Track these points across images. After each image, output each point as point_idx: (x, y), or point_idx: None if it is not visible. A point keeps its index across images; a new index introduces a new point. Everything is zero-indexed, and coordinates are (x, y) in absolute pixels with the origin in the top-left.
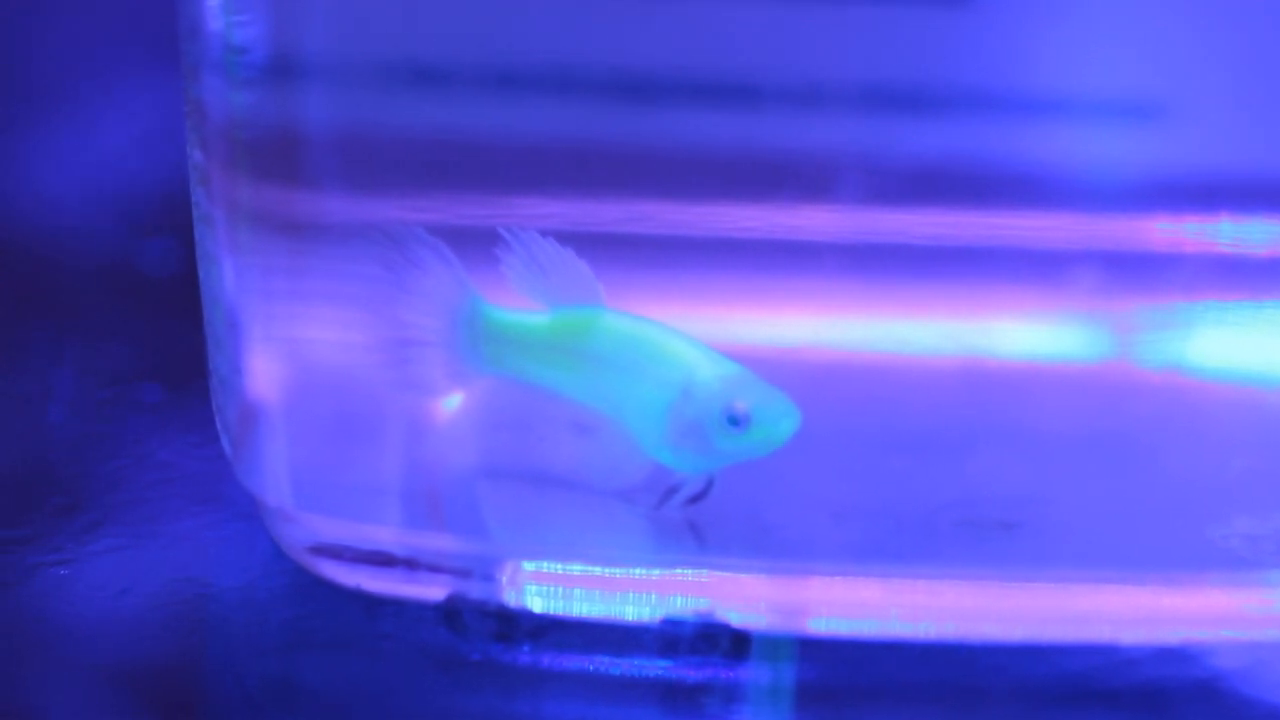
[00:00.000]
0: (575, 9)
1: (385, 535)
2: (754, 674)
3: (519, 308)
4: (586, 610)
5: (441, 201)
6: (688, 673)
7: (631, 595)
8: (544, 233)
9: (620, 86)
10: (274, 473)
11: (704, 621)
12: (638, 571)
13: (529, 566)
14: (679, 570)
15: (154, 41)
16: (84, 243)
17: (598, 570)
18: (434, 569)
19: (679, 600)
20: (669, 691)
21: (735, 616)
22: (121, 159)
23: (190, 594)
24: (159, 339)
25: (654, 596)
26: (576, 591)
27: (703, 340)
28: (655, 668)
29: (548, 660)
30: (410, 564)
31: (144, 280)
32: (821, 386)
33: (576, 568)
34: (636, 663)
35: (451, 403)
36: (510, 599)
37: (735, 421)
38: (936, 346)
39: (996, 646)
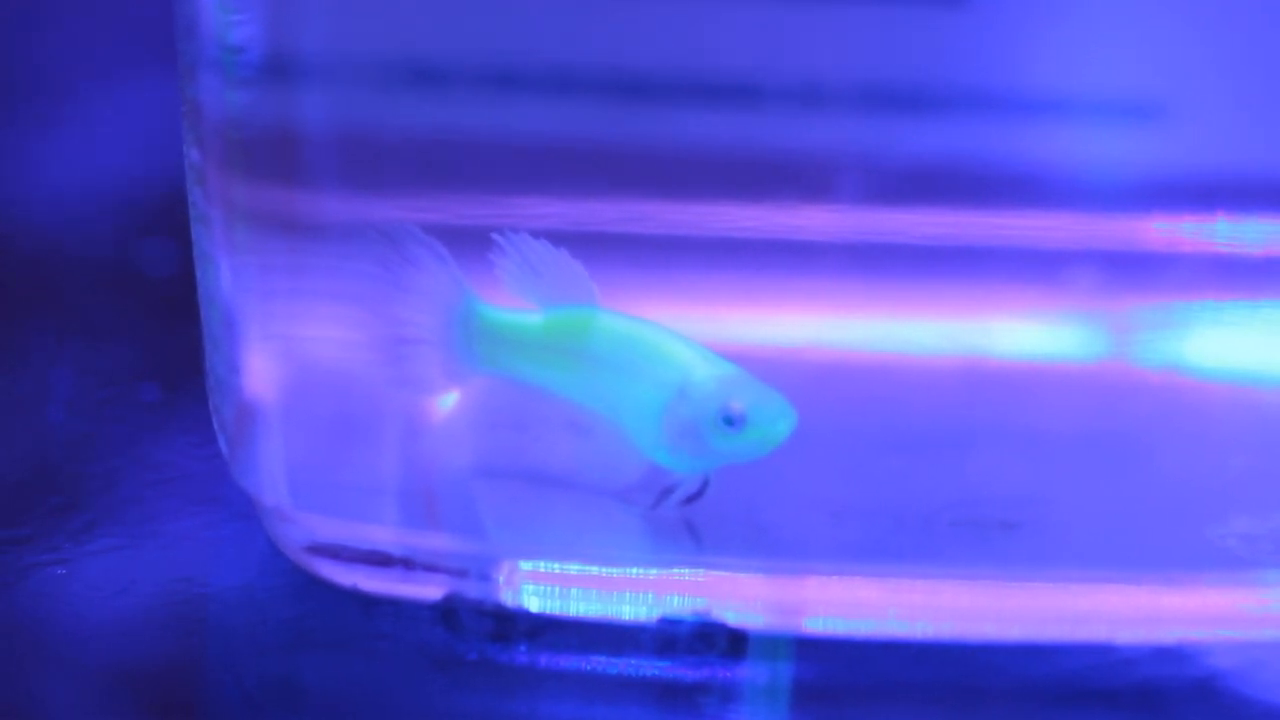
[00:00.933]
0: (573, 9)
1: (382, 535)
2: (751, 673)
3: (515, 307)
4: (583, 610)
5: (438, 201)
6: (685, 672)
7: (628, 595)
8: (540, 233)
9: (618, 86)
10: (271, 472)
11: (701, 621)
12: (634, 571)
13: (526, 566)
14: (676, 570)
15: (151, 40)
16: (81, 242)
17: (594, 570)
18: (431, 568)
19: (676, 600)
20: (666, 691)
21: (732, 616)
22: (119, 158)
23: (188, 594)
24: (156, 339)
25: (651, 596)
26: (573, 591)
27: (699, 340)
28: (652, 667)
29: (544, 660)
30: (407, 563)
31: (141, 280)
32: (819, 386)
33: (573, 567)
34: (633, 662)
35: (447, 401)
36: (507, 598)
37: (731, 422)
38: (935, 346)
39: (994, 646)
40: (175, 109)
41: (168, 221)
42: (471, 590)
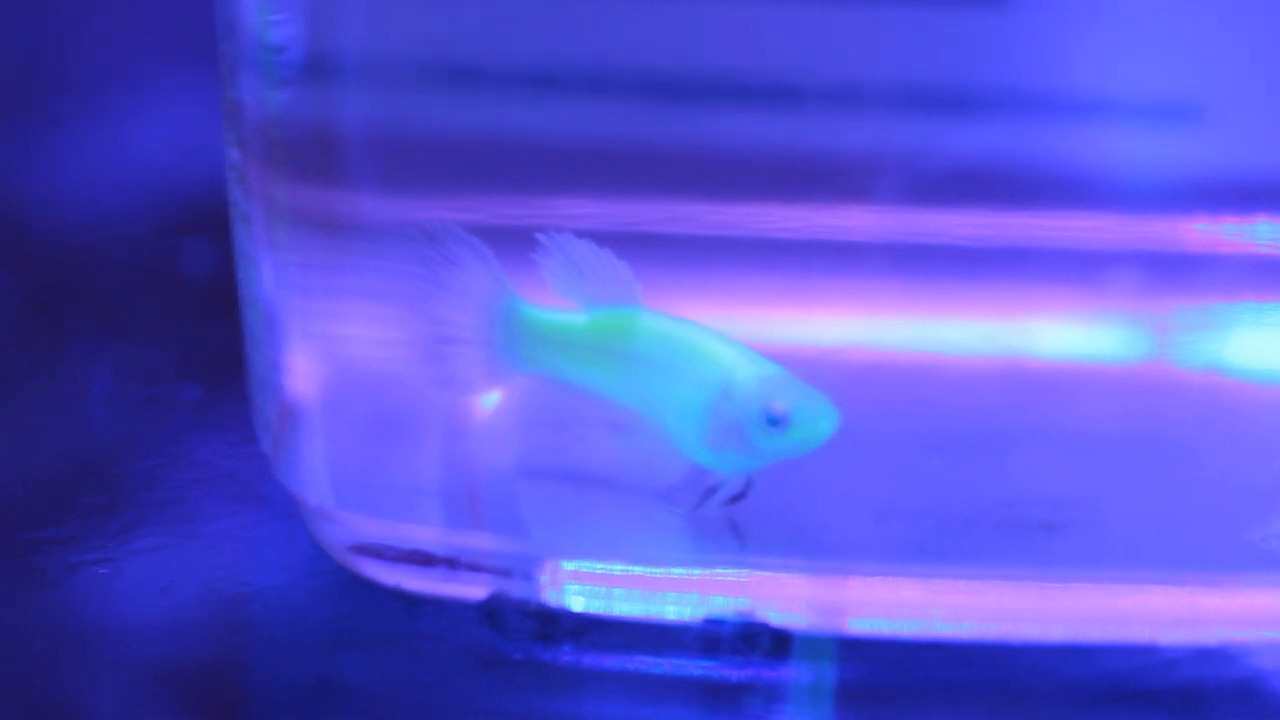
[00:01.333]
0: (612, 9)
1: (425, 534)
2: (795, 674)
3: (557, 307)
4: (627, 610)
5: (479, 201)
6: (728, 672)
7: (672, 595)
8: (582, 233)
9: (658, 86)
10: (313, 472)
11: (744, 621)
12: (678, 571)
13: (569, 566)
14: (719, 570)
15: (192, 40)
16: (122, 242)
17: (638, 570)
18: (474, 568)
19: (719, 600)
20: (710, 691)
21: (776, 616)
22: (159, 158)
23: (230, 593)
24: (198, 338)
25: (694, 596)
26: (617, 591)
27: (742, 341)
28: (696, 667)
29: (588, 659)
30: (450, 563)
31: (182, 279)
32: (860, 386)
33: (617, 567)
34: (677, 662)
35: (489, 401)
36: (551, 598)
37: (774, 422)
38: (976, 347)
39: (1037, 647)
40: (216, 108)
41: (208, 221)
42: (515, 590)
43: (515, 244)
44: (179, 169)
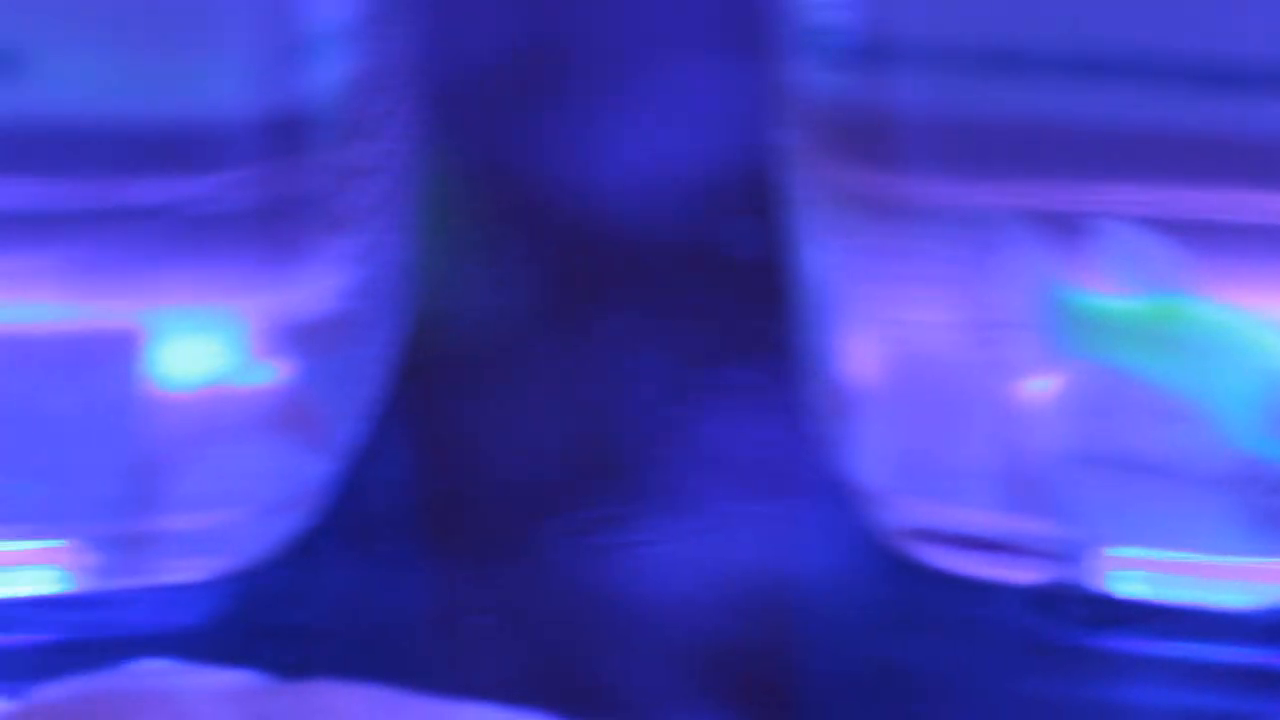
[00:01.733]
0: None
1: (979, 518)
2: None
3: (1111, 294)
4: (1180, 597)
5: (1033, 185)
6: None
7: (1227, 583)
8: (1137, 220)
9: (1217, 73)
10: (868, 456)
11: None
12: (1233, 560)
13: (1123, 552)
14: (1275, 559)
15: (729, 18)
16: (667, 224)
17: (1192, 557)
18: (1028, 553)
19: (1275, 589)
20: (1265, 680)
21: None
22: (703, 140)
23: (778, 577)
24: (742, 321)
25: (1250, 585)
26: (1170, 578)
27: None
28: (1250, 656)
29: (1140, 646)
30: (1004, 548)
31: (728, 262)
32: None
33: (1171, 555)
34: (1230, 650)
35: (1042, 387)
36: (1104, 584)
37: None
38: None
39: None
40: (755, 88)
41: (751, 203)
42: (1069, 575)
43: (1069, 229)
44: (719, 151)
